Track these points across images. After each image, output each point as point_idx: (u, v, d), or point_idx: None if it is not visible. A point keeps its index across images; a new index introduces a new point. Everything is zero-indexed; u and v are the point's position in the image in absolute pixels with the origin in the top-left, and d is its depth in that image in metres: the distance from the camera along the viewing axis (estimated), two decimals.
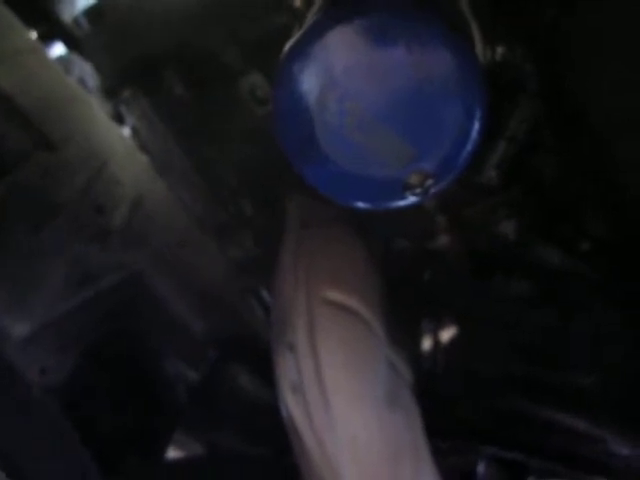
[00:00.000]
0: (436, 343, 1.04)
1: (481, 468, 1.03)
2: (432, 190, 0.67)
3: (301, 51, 0.63)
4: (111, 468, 0.93)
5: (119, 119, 1.18)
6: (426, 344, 1.04)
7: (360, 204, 0.71)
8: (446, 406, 1.04)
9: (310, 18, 0.67)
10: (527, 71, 0.79)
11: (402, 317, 1.00)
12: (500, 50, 0.78)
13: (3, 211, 0.92)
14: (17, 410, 0.85)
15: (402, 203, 0.69)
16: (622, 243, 0.91)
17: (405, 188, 0.67)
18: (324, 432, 0.82)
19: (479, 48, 0.75)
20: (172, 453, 1.21)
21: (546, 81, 0.79)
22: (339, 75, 0.63)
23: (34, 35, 1.14)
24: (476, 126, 0.64)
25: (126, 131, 1.20)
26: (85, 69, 1.21)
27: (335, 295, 0.86)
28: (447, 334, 1.05)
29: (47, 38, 1.16)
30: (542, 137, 0.84)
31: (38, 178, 1.00)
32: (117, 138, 1.22)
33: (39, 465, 0.82)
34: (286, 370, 0.87)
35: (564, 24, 0.72)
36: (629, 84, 0.71)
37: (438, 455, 0.95)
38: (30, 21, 1.11)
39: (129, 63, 1.06)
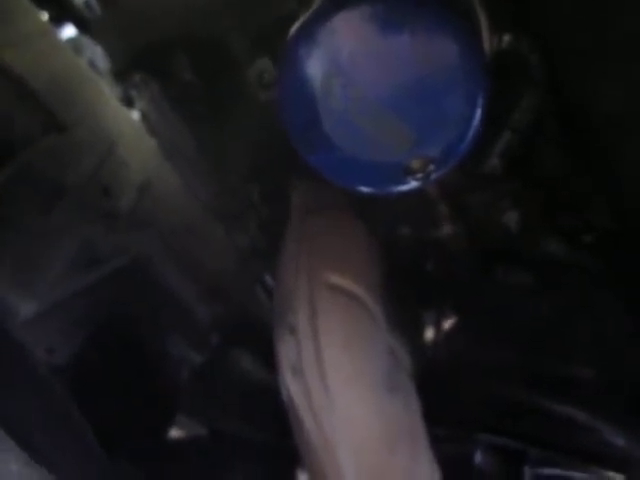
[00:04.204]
0: (438, 331, 1.05)
1: (478, 456, 1.03)
2: (433, 175, 0.68)
3: (306, 35, 0.64)
4: (114, 447, 0.94)
5: (129, 102, 1.19)
6: (428, 332, 1.05)
7: (363, 188, 0.72)
8: (446, 394, 1.05)
9: (316, 2, 0.67)
10: (533, 61, 0.79)
11: (404, 305, 1.00)
12: (507, 38, 0.78)
13: (12, 192, 0.93)
14: (23, 388, 0.86)
15: (404, 188, 0.70)
16: (625, 236, 0.91)
17: (407, 173, 0.68)
18: (323, 413, 0.83)
19: (486, 36, 0.75)
20: (174, 434, 1.22)
21: (551, 73, 0.79)
22: (344, 60, 0.63)
23: (45, 17, 1.15)
24: (478, 114, 0.65)
25: (136, 114, 1.21)
26: (96, 52, 1.21)
27: (337, 279, 0.86)
28: (449, 323, 1.05)
29: (58, 20, 1.16)
30: (546, 128, 0.85)
31: (47, 160, 1.01)
32: (126, 121, 1.22)
33: (44, 443, 0.84)
34: (287, 352, 0.87)
35: (569, 20, 0.72)
36: (630, 84, 0.71)
37: (436, 442, 0.95)
38: (41, 3, 1.12)
39: (139, 47, 1.06)
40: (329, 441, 0.83)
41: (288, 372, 0.87)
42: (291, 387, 0.87)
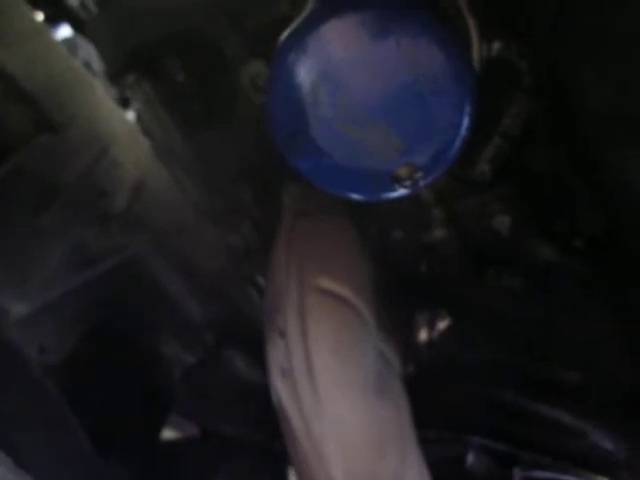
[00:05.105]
0: (430, 334, 1.05)
1: (470, 458, 1.04)
2: (421, 183, 0.68)
3: (296, 42, 0.64)
4: (106, 447, 0.94)
5: (124, 103, 1.19)
6: (420, 335, 1.05)
7: (352, 195, 0.72)
8: (437, 396, 1.06)
9: (307, 9, 0.67)
10: (522, 67, 0.79)
11: (396, 307, 1.01)
12: (496, 45, 0.78)
13: (5, 192, 0.93)
14: (15, 387, 0.87)
15: (392, 195, 0.70)
16: (614, 239, 0.91)
17: (395, 180, 0.68)
18: (312, 416, 0.83)
19: (475, 45, 0.75)
20: (167, 434, 1.22)
21: (540, 79, 0.79)
22: (332, 68, 0.64)
23: (40, 17, 1.15)
24: (465, 122, 0.65)
25: (131, 115, 1.21)
26: (90, 52, 1.21)
27: (326, 283, 0.87)
28: (441, 325, 1.05)
29: (53, 20, 1.16)
30: (536, 133, 0.85)
31: (40, 160, 1.01)
32: (120, 122, 1.22)
33: (35, 442, 0.84)
34: (276, 356, 0.88)
35: (559, 24, 0.73)
36: (619, 89, 0.72)
37: (427, 445, 0.96)
38: (36, 3, 1.12)
39: (133, 49, 1.06)
40: (318, 445, 0.84)
41: (278, 375, 0.87)
42: (281, 390, 0.87)
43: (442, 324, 1.06)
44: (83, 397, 0.95)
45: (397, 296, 1.02)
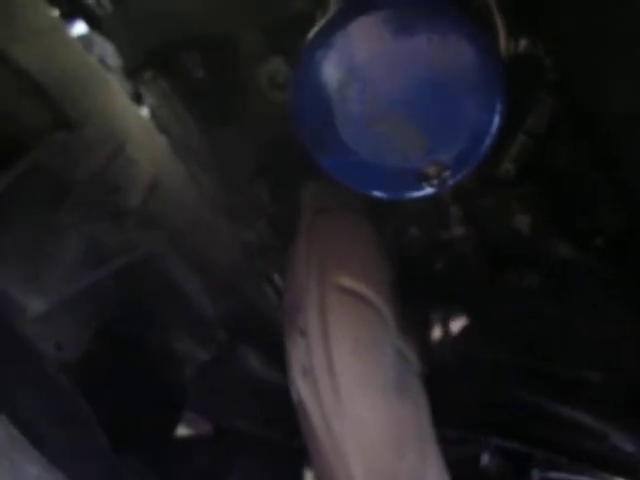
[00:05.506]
0: (446, 333, 1.05)
1: (486, 458, 1.04)
2: (449, 182, 0.68)
3: (324, 40, 0.64)
4: (122, 443, 0.94)
5: (139, 99, 1.19)
6: (436, 333, 1.05)
7: (377, 193, 0.72)
8: (454, 396, 1.05)
9: (333, 7, 0.67)
10: (548, 65, 0.79)
11: (413, 306, 1.00)
12: (523, 42, 0.77)
13: (21, 189, 0.93)
14: (32, 383, 0.87)
15: (419, 193, 0.70)
16: (635, 238, 0.90)
17: (422, 179, 0.67)
18: (332, 415, 0.83)
19: (503, 42, 0.75)
20: (182, 431, 1.22)
21: (565, 76, 0.79)
22: (360, 65, 0.63)
23: (56, 13, 1.14)
24: (495, 120, 0.64)
25: (145, 111, 1.20)
26: (106, 48, 1.21)
27: (347, 281, 0.86)
28: (457, 324, 1.05)
29: (69, 16, 1.16)
30: (561, 132, 0.84)
31: (56, 157, 1.00)
32: (136, 118, 1.22)
33: (54, 440, 0.84)
34: (297, 354, 0.88)
35: (578, 22, 0.72)
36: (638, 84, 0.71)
37: (444, 444, 0.95)
38: None
39: (150, 45, 1.06)
40: (338, 443, 0.83)
41: (299, 374, 0.87)
42: (301, 389, 0.87)
43: (457, 323, 1.06)
44: (99, 393, 0.95)
45: (414, 294, 1.01)
